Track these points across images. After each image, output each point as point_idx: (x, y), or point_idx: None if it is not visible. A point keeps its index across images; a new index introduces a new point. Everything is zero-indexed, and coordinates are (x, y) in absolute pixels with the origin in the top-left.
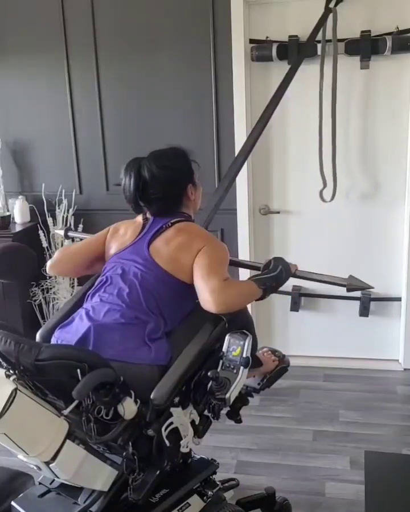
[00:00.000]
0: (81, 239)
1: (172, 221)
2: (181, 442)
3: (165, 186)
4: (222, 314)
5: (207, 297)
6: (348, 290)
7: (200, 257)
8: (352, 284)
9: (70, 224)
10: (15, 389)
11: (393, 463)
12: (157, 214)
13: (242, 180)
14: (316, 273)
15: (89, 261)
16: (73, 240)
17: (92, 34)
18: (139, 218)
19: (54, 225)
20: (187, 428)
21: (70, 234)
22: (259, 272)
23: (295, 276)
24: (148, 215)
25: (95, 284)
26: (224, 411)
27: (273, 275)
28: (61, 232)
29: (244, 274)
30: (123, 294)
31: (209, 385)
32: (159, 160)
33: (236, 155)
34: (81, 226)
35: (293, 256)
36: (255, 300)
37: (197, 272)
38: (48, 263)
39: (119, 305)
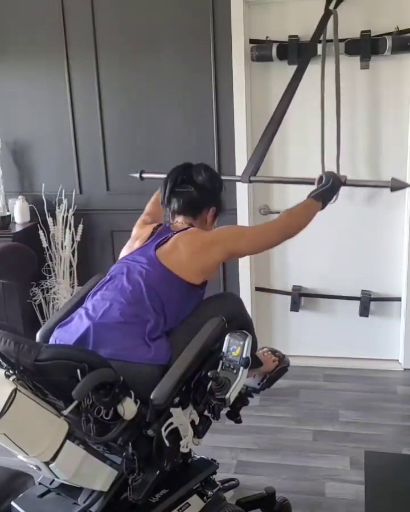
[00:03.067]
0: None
1: (179, 230)
2: (181, 442)
3: (200, 185)
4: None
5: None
6: (392, 190)
7: (227, 238)
8: (395, 184)
9: (70, 225)
10: (15, 390)
11: (393, 463)
12: (177, 210)
13: None
14: (362, 180)
15: None
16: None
17: (92, 34)
18: (150, 228)
19: (54, 225)
20: (186, 428)
21: (144, 175)
22: (315, 187)
23: (345, 184)
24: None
25: (99, 282)
26: (224, 411)
27: (327, 187)
28: (137, 175)
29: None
30: (125, 291)
31: (209, 385)
32: (209, 170)
33: (235, 154)
34: (81, 226)
35: (293, 257)
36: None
37: (246, 234)
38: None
39: (120, 302)
